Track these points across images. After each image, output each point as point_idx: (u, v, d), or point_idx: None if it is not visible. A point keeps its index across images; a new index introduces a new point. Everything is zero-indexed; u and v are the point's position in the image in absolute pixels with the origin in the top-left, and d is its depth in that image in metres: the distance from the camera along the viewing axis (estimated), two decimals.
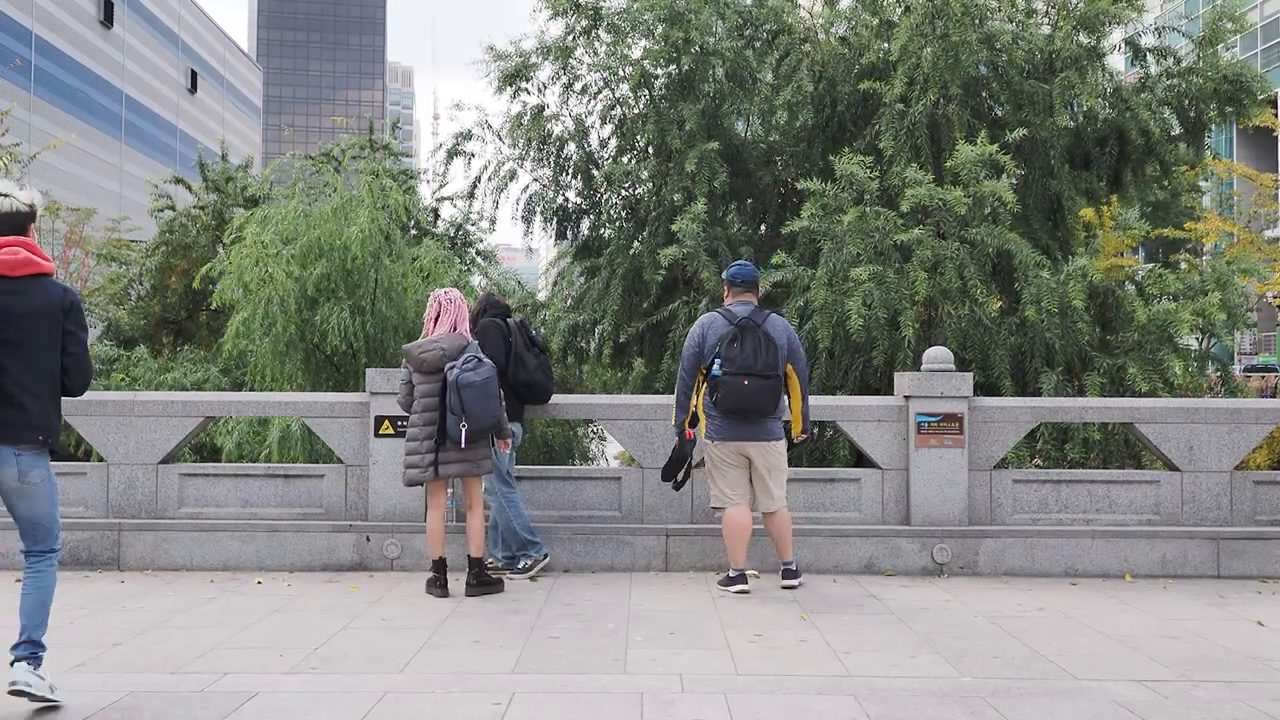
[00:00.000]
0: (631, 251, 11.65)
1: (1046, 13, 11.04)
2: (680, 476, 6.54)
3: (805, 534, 6.91)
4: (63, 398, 4.14)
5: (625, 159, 11.99)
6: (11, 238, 4.04)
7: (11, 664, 3.92)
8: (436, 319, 6.26)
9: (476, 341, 6.29)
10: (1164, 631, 5.41)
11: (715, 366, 6.09)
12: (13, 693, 3.85)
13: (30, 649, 3.97)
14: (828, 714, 4.00)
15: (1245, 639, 5.28)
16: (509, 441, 6.34)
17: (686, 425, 6.34)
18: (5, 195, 4.07)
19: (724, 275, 6.59)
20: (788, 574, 6.40)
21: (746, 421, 6.15)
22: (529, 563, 6.65)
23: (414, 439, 6.10)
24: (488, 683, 4.39)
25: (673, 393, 6.66)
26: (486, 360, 6.06)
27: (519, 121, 11.69)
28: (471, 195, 12.60)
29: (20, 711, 3.91)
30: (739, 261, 7.00)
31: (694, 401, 6.32)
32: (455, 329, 6.22)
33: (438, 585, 6.13)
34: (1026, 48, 10.35)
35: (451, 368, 5.95)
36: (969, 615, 5.75)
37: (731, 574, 6.35)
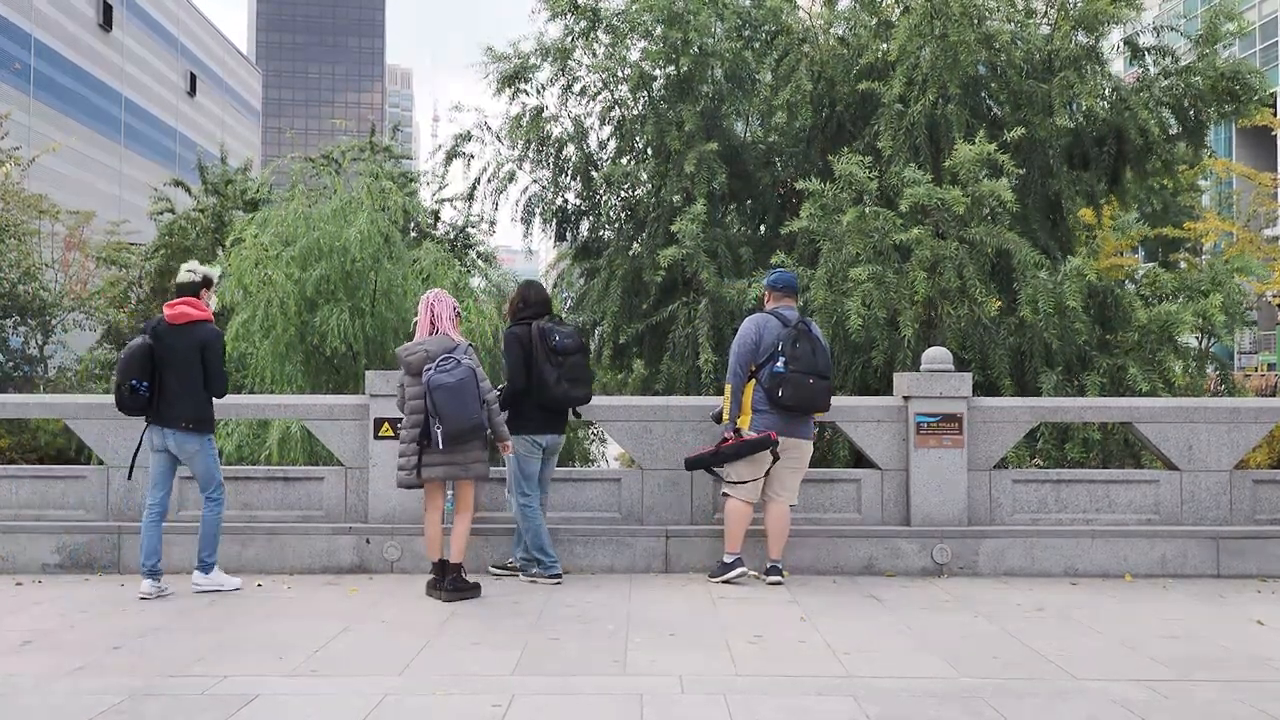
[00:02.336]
0: (631, 253, 11.65)
1: (1045, 13, 11.02)
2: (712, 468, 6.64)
3: (805, 534, 6.92)
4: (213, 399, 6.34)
5: (624, 160, 12.00)
6: (184, 298, 6.23)
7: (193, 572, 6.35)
8: (420, 322, 6.25)
9: (466, 342, 6.20)
10: (1164, 631, 5.41)
11: (779, 364, 6.27)
12: (196, 590, 6.26)
13: (201, 564, 6.30)
14: (828, 714, 4.00)
15: (1245, 639, 5.27)
16: (509, 445, 6.26)
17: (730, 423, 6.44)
18: (190, 270, 6.31)
19: (766, 281, 6.79)
20: (774, 571, 6.51)
21: (798, 419, 6.40)
22: (530, 577, 6.56)
23: (404, 441, 6.10)
24: (488, 684, 4.39)
25: (672, 394, 6.70)
26: (465, 361, 5.93)
27: (518, 123, 11.70)
28: (471, 197, 12.62)
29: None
30: (779, 268, 7.42)
31: (745, 399, 6.44)
32: (434, 329, 6.17)
33: (438, 587, 6.12)
34: (1025, 47, 10.34)
35: (428, 369, 5.91)
36: (969, 615, 5.75)
37: (728, 559, 6.47)
